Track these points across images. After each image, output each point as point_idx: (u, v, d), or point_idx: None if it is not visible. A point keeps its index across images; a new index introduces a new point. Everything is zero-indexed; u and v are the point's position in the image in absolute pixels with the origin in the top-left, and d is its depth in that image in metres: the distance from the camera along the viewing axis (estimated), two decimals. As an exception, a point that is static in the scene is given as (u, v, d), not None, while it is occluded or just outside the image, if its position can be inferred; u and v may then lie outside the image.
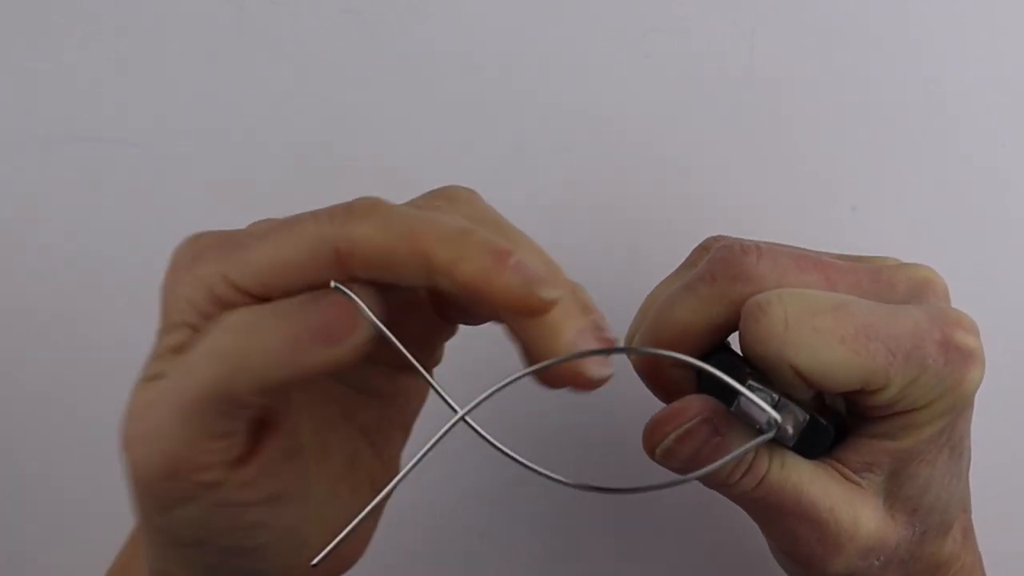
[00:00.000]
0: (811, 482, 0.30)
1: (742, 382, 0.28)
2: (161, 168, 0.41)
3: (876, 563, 0.31)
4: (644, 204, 0.41)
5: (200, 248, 0.26)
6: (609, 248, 0.40)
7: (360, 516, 0.26)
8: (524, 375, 0.25)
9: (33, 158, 0.40)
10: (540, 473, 0.26)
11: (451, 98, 0.41)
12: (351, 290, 0.24)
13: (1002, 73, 0.41)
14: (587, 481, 0.26)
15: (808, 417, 0.29)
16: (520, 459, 0.26)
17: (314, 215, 0.25)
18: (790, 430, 0.28)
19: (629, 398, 0.33)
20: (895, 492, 0.31)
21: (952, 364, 0.29)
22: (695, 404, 0.30)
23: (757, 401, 0.27)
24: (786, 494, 0.30)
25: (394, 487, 0.26)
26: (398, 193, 0.40)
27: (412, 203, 0.27)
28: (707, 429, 0.29)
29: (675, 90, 0.41)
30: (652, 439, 0.30)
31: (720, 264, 0.30)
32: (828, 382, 0.28)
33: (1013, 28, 0.41)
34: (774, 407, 0.28)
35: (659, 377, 0.31)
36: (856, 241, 0.40)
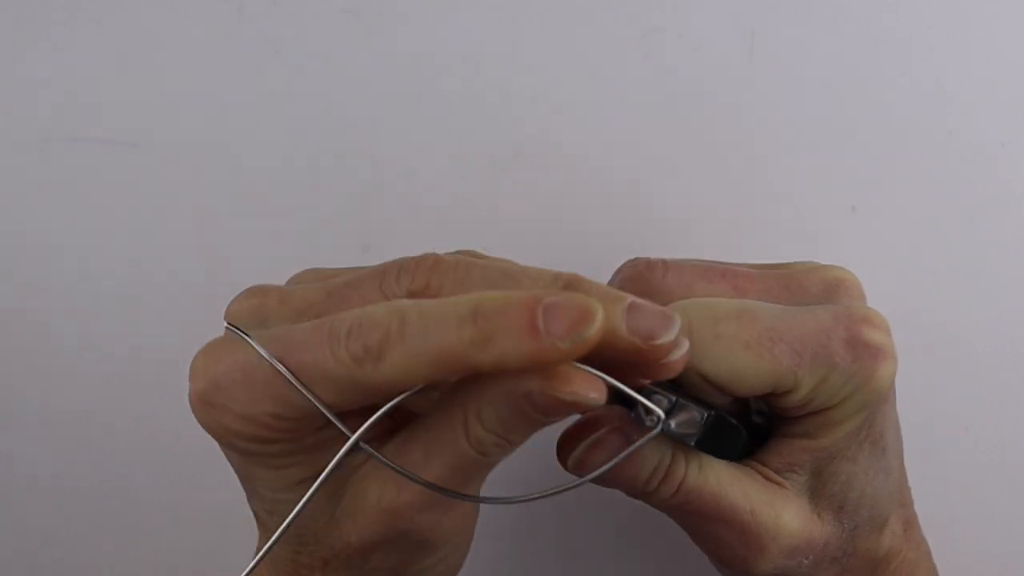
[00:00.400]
0: (731, 485, 0.30)
1: (642, 389, 0.28)
2: (161, 168, 0.41)
3: (805, 561, 0.31)
4: (644, 204, 0.41)
5: (227, 387, 0.26)
6: (609, 248, 0.40)
7: (274, 538, 0.27)
8: (410, 394, 0.26)
9: (33, 158, 0.40)
10: (437, 488, 0.27)
11: (451, 98, 0.41)
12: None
13: (1002, 73, 0.41)
14: (489, 493, 0.27)
15: (707, 416, 0.29)
16: (418, 478, 0.26)
17: (334, 355, 0.25)
18: (673, 425, 0.28)
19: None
20: (819, 490, 0.31)
21: (861, 361, 0.29)
22: (604, 414, 0.30)
23: (641, 400, 0.27)
24: (705, 498, 0.30)
25: (296, 514, 0.27)
26: (398, 192, 0.40)
27: (388, 277, 0.27)
28: (617, 438, 0.30)
29: (674, 91, 0.41)
30: (564, 451, 0.30)
31: (628, 283, 0.31)
32: (737, 386, 0.29)
33: (1013, 28, 0.41)
34: (671, 408, 0.28)
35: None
36: (856, 241, 0.40)
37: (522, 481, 0.38)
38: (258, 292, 0.28)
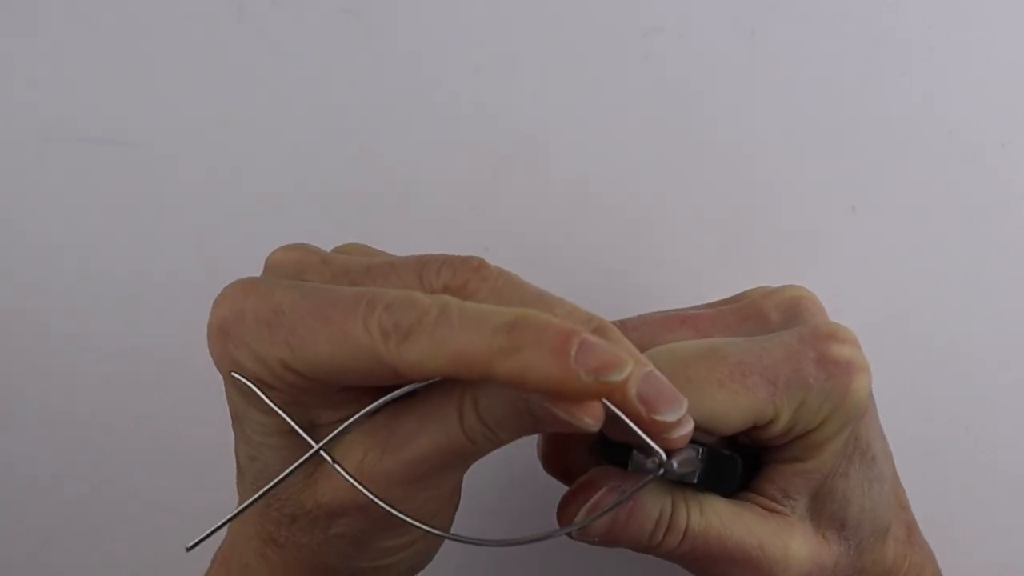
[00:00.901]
0: (734, 523, 0.30)
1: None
2: (161, 168, 0.41)
3: None
4: (642, 203, 0.41)
5: (250, 321, 0.26)
6: (610, 247, 0.40)
7: (232, 516, 0.27)
8: (385, 401, 0.26)
9: (33, 158, 0.40)
10: (403, 519, 0.27)
11: (451, 98, 0.41)
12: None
13: (1002, 73, 0.41)
14: (457, 532, 0.27)
15: (703, 452, 0.29)
16: (382, 502, 0.27)
17: (364, 322, 0.25)
18: (675, 464, 0.27)
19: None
20: (819, 512, 0.31)
21: (834, 378, 0.29)
22: (598, 475, 0.30)
23: (647, 441, 0.26)
24: (711, 542, 0.30)
25: (247, 507, 0.27)
26: (398, 192, 0.40)
27: (430, 268, 0.27)
28: (616, 497, 0.30)
29: (674, 90, 0.41)
30: (565, 515, 0.30)
31: None
32: (718, 426, 0.29)
33: (1013, 28, 0.41)
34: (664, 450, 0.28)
35: (568, 473, 0.32)
36: (856, 241, 0.40)
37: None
38: (303, 248, 0.28)
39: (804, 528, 0.31)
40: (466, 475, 0.29)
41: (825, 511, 0.31)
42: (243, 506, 0.27)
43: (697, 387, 0.28)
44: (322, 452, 0.27)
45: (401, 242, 0.41)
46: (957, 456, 0.40)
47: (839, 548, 0.31)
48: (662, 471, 0.27)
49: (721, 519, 0.30)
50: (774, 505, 0.31)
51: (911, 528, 0.34)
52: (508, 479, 0.40)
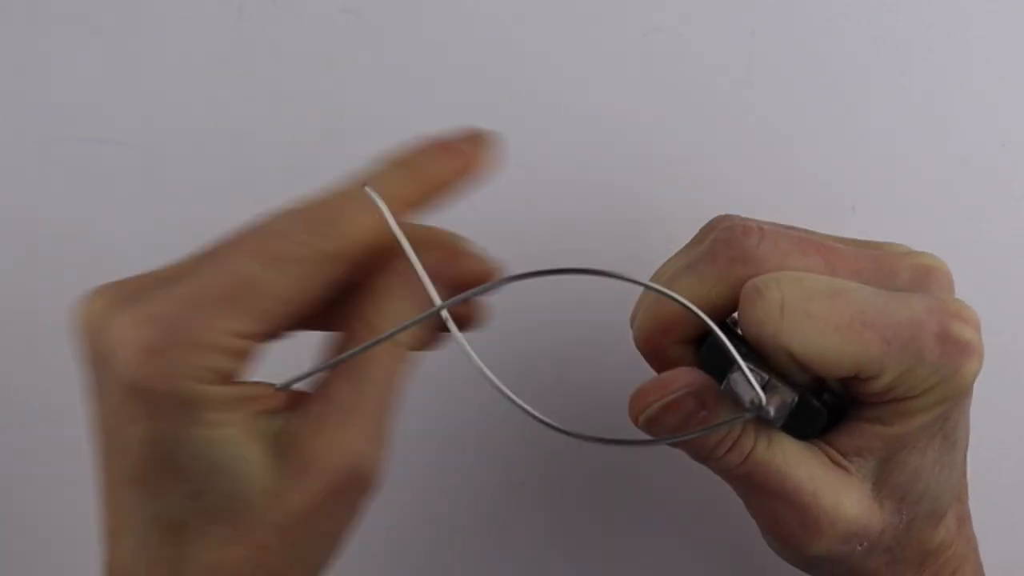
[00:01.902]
0: (797, 464, 0.30)
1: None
2: (160, 168, 0.41)
3: (859, 548, 0.31)
4: (644, 204, 0.41)
5: (157, 319, 0.25)
6: (609, 247, 0.40)
7: (327, 364, 0.27)
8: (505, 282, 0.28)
9: (33, 158, 0.40)
10: (522, 408, 0.27)
11: (451, 98, 0.41)
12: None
13: (1002, 73, 0.41)
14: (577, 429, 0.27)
15: (796, 400, 0.29)
16: (505, 390, 0.27)
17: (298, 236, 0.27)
18: (772, 411, 0.28)
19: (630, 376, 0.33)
20: (884, 479, 0.31)
21: (948, 356, 0.29)
22: (684, 376, 0.30)
23: (748, 377, 0.27)
24: (770, 474, 0.30)
25: (363, 349, 0.27)
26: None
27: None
28: (693, 402, 0.29)
29: (675, 90, 0.41)
30: (636, 406, 0.30)
31: (722, 245, 0.30)
32: (822, 367, 0.29)
33: (1013, 28, 0.41)
34: (763, 387, 0.28)
35: (659, 355, 0.31)
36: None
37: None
38: (110, 286, 0.28)
39: (863, 489, 0.31)
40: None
41: (891, 479, 0.31)
42: (375, 341, 0.27)
43: (813, 323, 0.28)
44: (443, 312, 0.27)
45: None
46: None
47: (891, 518, 0.31)
48: (757, 413, 0.28)
49: (785, 456, 0.30)
50: (841, 459, 0.31)
51: (963, 520, 0.34)
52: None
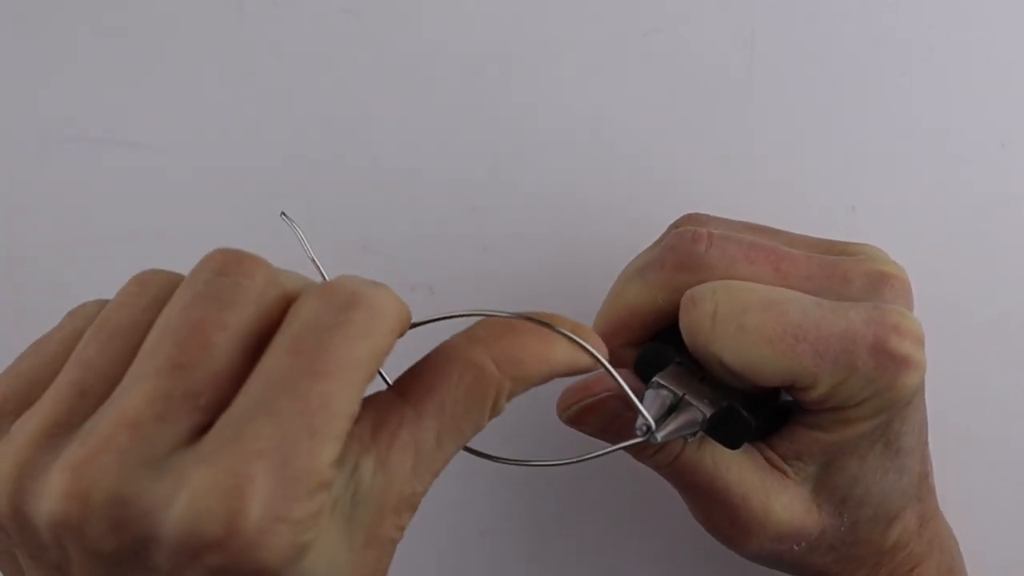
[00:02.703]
0: (728, 466, 0.31)
1: (662, 369, 0.29)
2: (161, 168, 0.41)
3: (796, 548, 0.32)
4: (643, 204, 0.41)
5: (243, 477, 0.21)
6: (609, 248, 0.40)
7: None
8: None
9: (33, 158, 0.40)
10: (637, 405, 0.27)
11: (451, 98, 0.41)
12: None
13: (1002, 73, 0.41)
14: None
15: (707, 418, 0.29)
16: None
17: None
18: (659, 439, 0.28)
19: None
20: (824, 482, 0.31)
21: (883, 368, 0.29)
22: (608, 378, 0.30)
23: (640, 409, 0.28)
24: (700, 475, 0.31)
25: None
26: (398, 192, 0.40)
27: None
28: (617, 404, 0.30)
29: (675, 90, 0.41)
30: (561, 407, 0.31)
31: (669, 252, 0.31)
32: (754, 377, 0.29)
33: (1013, 28, 0.41)
34: (674, 405, 0.29)
35: (613, 357, 0.32)
36: (856, 241, 0.40)
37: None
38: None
39: (797, 492, 0.31)
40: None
41: (829, 483, 0.31)
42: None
43: (745, 336, 0.28)
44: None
45: (401, 242, 0.41)
46: (957, 456, 0.40)
47: (830, 520, 0.31)
48: (646, 439, 0.28)
49: (715, 458, 0.31)
50: (779, 462, 0.31)
51: (925, 520, 0.34)
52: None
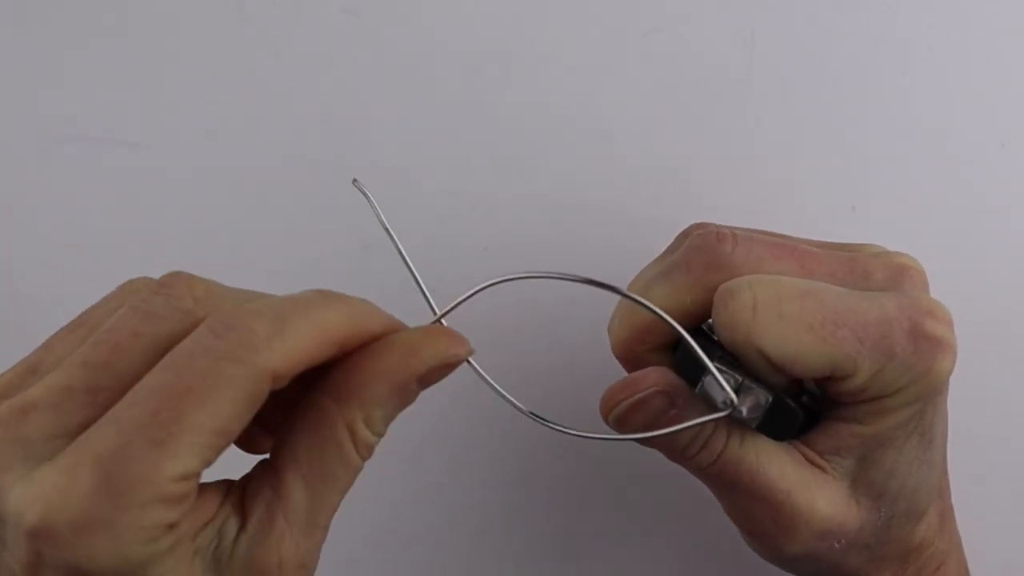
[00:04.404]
0: (770, 463, 0.30)
1: (711, 361, 0.28)
2: (161, 168, 0.41)
3: (837, 545, 0.31)
4: (643, 204, 0.41)
5: (80, 485, 0.22)
6: (609, 247, 0.40)
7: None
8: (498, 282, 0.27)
9: (33, 158, 0.40)
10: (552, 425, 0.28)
11: (451, 98, 0.41)
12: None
13: (1002, 73, 0.41)
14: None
15: (771, 400, 0.29)
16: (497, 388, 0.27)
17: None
18: (744, 411, 0.28)
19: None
20: (861, 476, 0.31)
21: (920, 353, 0.29)
22: (652, 375, 0.30)
23: (718, 379, 0.28)
24: (742, 473, 0.30)
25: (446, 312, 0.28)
26: (398, 192, 0.40)
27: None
28: (662, 400, 0.30)
29: (675, 90, 0.41)
30: (606, 406, 0.30)
31: (695, 252, 0.31)
32: (796, 368, 0.29)
33: (1013, 28, 0.41)
34: (737, 389, 0.28)
35: (636, 362, 0.32)
36: (856, 241, 0.40)
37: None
38: None
39: (838, 487, 0.31)
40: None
41: (867, 477, 0.31)
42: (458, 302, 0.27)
43: (787, 324, 0.28)
44: (442, 321, 0.27)
45: (401, 242, 0.41)
46: (957, 456, 0.40)
47: (868, 516, 0.31)
48: (730, 412, 0.28)
49: (758, 455, 0.30)
50: (817, 458, 0.31)
51: (945, 517, 0.34)
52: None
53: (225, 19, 0.40)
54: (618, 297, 0.30)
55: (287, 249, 0.40)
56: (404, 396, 0.26)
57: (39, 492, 0.22)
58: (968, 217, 0.41)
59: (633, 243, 0.40)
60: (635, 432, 0.30)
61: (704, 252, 0.30)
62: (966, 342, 0.40)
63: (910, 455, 0.31)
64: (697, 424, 0.29)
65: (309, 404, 0.25)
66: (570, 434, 0.29)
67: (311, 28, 0.40)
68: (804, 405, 0.31)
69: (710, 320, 0.31)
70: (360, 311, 0.26)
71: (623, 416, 0.30)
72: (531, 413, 0.28)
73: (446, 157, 0.40)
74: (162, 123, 0.40)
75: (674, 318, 0.29)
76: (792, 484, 0.30)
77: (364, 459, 0.26)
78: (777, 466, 0.30)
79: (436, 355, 0.26)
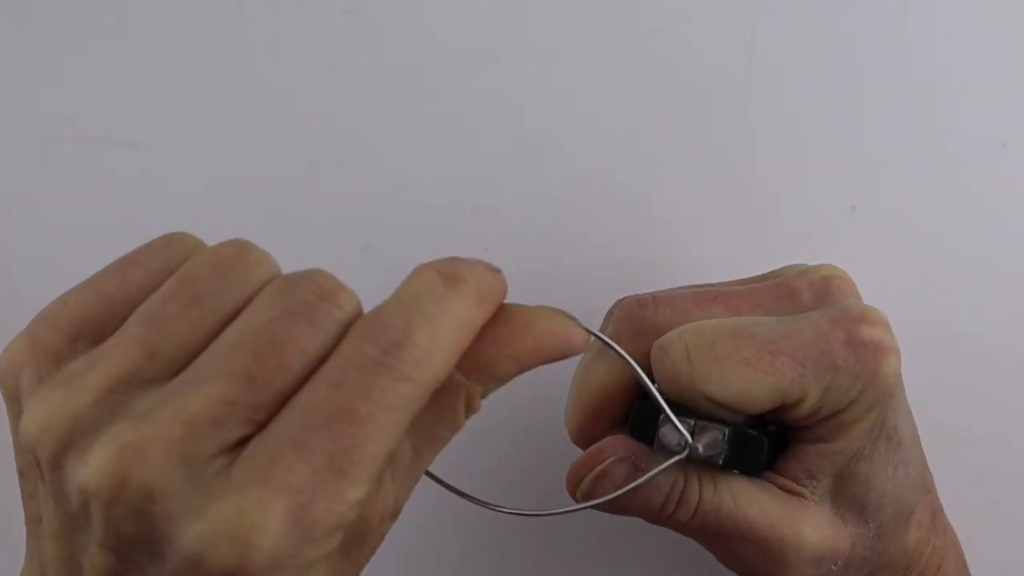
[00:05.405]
0: (749, 503, 0.31)
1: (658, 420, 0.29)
2: (161, 168, 0.40)
3: (834, 568, 0.31)
4: (643, 204, 0.41)
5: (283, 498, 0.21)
6: (609, 247, 0.40)
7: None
8: None
9: (33, 158, 0.40)
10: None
11: (451, 98, 0.41)
12: None
13: (1002, 73, 0.41)
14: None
15: (729, 433, 0.29)
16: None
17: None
18: (700, 448, 0.29)
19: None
20: (840, 494, 0.31)
21: (863, 360, 0.29)
22: (610, 444, 0.31)
23: (673, 419, 0.28)
24: (723, 519, 0.30)
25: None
26: (398, 192, 0.40)
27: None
28: (624, 466, 0.30)
29: (675, 90, 0.41)
30: (571, 482, 0.31)
31: (621, 323, 0.31)
32: (745, 404, 0.29)
33: (1013, 28, 0.41)
34: (691, 431, 0.29)
35: (592, 436, 0.32)
36: (856, 241, 0.40)
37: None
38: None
39: (820, 511, 0.31)
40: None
41: (846, 492, 0.31)
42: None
43: (725, 365, 0.28)
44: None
45: (401, 242, 0.41)
46: (957, 456, 0.40)
47: (857, 530, 0.31)
48: (687, 452, 0.28)
49: (735, 498, 0.30)
50: (793, 486, 0.31)
51: (936, 512, 0.34)
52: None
53: (225, 19, 0.40)
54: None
55: (287, 249, 0.40)
56: (510, 378, 0.25)
57: (232, 529, 0.21)
58: (968, 217, 0.41)
59: (630, 243, 0.41)
60: (606, 504, 0.30)
61: (628, 322, 0.31)
62: (966, 342, 0.40)
63: (882, 461, 0.31)
64: (658, 472, 0.29)
65: None
66: (537, 516, 0.29)
67: (311, 28, 0.40)
68: (770, 433, 0.31)
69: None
70: (491, 293, 0.25)
71: (590, 491, 0.30)
72: (490, 504, 0.29)
73: (446, 157, 0.40)
74: (162, 123, 0.40)
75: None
76: (775, 519, 0.30)
77: (463, 422, 0.25)
78: (756, 504, 0.30)
79: (566, 347, 0.25)
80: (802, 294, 0.31)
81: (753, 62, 0.41)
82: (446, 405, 0.24)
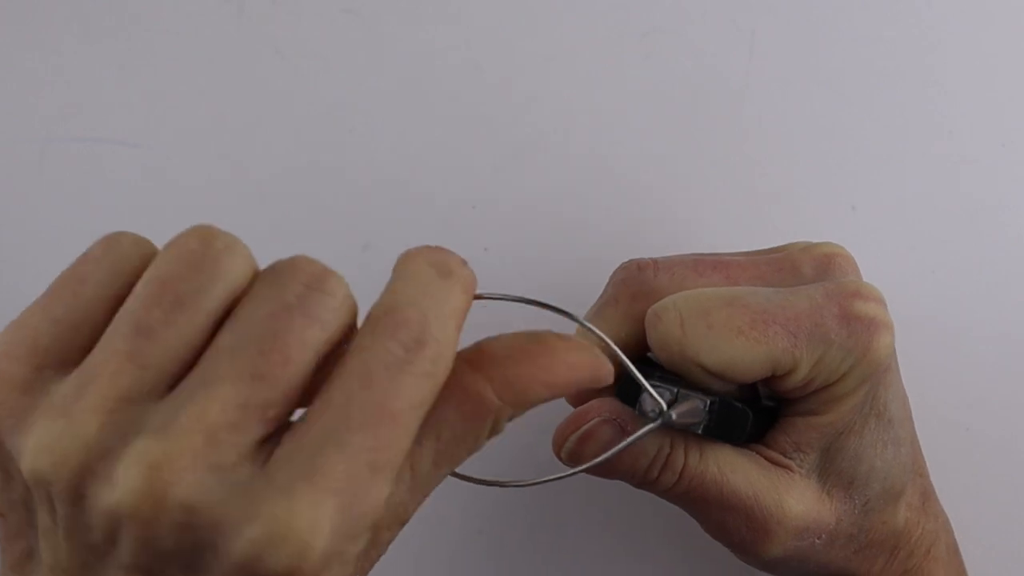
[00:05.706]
0: (733, 471, 0.31)
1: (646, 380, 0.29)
2: (161, 168, 0.40)
3: (817, 541, 0.32)
4: (643, 204, 0.41)
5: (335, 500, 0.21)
6: (609, 247, 0.40)
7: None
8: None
9: (33, 158, 0.40)
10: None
11: (451, 98, 0.41)
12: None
13: (1002, 73, 0.41)
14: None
15: (711, 403, 0.29)
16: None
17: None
18: (674, 416, 0.29)
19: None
20: (828, 468, 0.31)
21: (856, 335, 0.29)
22: (596, 406, 0.31)
23: (648, 389, 0.29)
24: (707, 486, 0.31)
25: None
26: (398, 192, 0.40)
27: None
28: (610, 428, 0.31)
29: (674, 90, 0.41)
30: (557, 443, 0.31)
31: (620, 286, 0.32)
32: (735, 373, 0.29)
33: (1013, 28, 0.41)
34: (673, 399, 0.29)
35: (584, 402, 0.32)
36: (856, 241, 0.40)
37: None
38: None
39: (806, 484, 0.31)
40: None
41: (834, 467, 0.31)
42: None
43: (716, 333, 0.29)
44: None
45: (401, 242, 0.41)
46: (957, 456, 0.40)
47: (843, 506, 0.32)
48: (659, 420, 0.29)
49: (720, 465, 0.31)
50: (780, 458, 0.31)
51: (927, 495, 0.34)
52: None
53: (225, 19, 0.40)
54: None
55: (287, 249, 0.40)
56: (540, 403, 0.25)
57: (286, 531, 0.21)
58: (968, 217, 0.41)
59: (632, 241, 0.41)
60: (586, 463, 0.30)
61: (628, 284, 0.31)
62: (966, 343, 0.40)
63: (872, 437, 0.31)
64: (635, 439, 0.29)
65: (467, 387, 0.24)
66: (520, 485, 0.29)
67: (311, 28, 0.40)
68: (762, 408, 0.31)
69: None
70: (472, 285, 0.25)
71: (574, 450, 0.31)
72: (476, 478, 0.29)
73: (446, 157, 0.40)
74: (162, 123, 0.40)
75: (613, 355, 0.30)
76: (759, 488, 0.31)
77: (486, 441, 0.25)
78: (741, 473, 0.31)
79: (595, 380, 0.25)
80: (803, 268, 0.32)
81: (753, 62, 0.41)
82: (474, 426, 0.24)
